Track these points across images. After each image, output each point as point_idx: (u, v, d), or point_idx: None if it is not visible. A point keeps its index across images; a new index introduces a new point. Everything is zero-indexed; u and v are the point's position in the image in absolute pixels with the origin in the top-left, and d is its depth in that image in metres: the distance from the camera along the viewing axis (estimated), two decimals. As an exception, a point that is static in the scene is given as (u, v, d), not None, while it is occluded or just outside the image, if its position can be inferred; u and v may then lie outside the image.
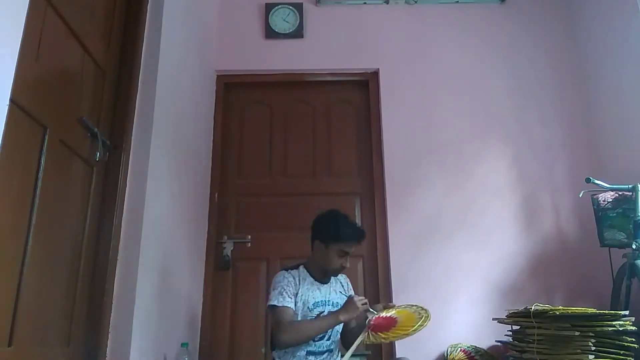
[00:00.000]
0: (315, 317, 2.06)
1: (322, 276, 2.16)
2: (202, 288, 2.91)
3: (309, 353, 2.05)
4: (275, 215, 3.11)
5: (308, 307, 2.07)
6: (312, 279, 2.13)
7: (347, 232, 2.09)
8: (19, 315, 1.35)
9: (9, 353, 1.31)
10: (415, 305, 2.03)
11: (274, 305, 2.02)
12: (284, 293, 2.03)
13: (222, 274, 3.02)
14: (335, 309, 2.09)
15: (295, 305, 2.05)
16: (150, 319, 2.00)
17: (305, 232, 2.20)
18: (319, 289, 2.13)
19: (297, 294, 2.07)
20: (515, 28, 3.43)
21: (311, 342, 2.05)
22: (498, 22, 3.45)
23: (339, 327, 2.14)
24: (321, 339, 2.08)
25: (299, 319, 2.05)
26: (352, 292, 2.27)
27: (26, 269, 1.38)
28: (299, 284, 2.09)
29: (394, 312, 2.02)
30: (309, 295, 2.09)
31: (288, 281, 2.06)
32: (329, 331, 2.08)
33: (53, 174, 1.52)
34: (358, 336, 2.04)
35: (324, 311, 2.10)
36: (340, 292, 2.21)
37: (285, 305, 2.01)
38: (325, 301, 2.13)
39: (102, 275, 1.77)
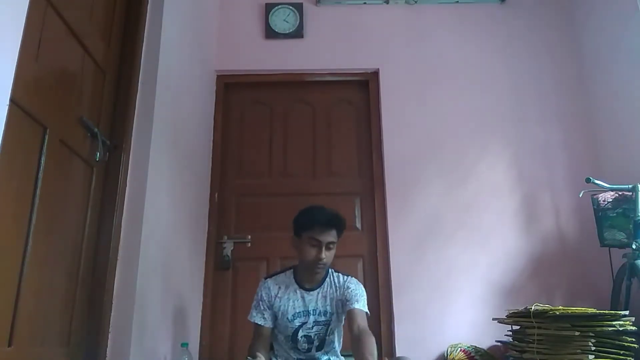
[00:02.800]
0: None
1: (310, 281, 1.99)
2: (202, 288, 2.91)
3: None
4: (275, 215, 3.11)
5: (287, 318, 1.95)
6: (296, 286, 1.99)
7: (314, 216, 1.94)
8: (19, 315, 1.35)
9: (9, 353, 1.31)
10: None
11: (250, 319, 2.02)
12: (255, 308, 2.00)
13: (222, 274, 3.02)
14: (323, 319, 1.96)
15: (271, 317, 1.98)
16: (150, 319, 2.00)
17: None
18: (302, 297, 1.97)
19: (273, 305, 1.97)
20: (515, 28, 3.43)
21: (294, 356, 1.98)
22: (498, 22, 3.45)
23: (332, 337, 2.01)
24: (309, 350, 1.97)
25: (281, 329, 1.98)
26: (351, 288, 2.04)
27: (26, 269, 1.38)
28: (279, 292, 1.98)
29: None
30: (288, 306, 1.96)
31: (261, 295, 1.99)
32: (315, 341, 1.96)
33: (53, 174, 1.52)
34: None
35: (306, 322, 1.95)
36: (332, 297, 1.98)
37: (254, 321, 1.99)
38: (307, 311, 1.96)
39: (102, 275, 1.77)
